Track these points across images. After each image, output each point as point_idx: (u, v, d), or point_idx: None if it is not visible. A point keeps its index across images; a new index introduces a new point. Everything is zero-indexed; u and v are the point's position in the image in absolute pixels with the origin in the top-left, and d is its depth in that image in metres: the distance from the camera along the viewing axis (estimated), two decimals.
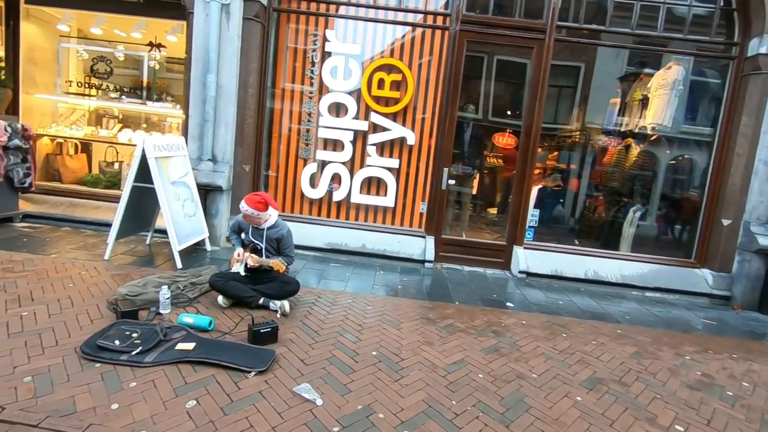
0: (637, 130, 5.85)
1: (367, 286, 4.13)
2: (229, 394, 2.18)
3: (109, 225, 4.98)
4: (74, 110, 5.96)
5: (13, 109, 5.19)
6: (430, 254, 5.03)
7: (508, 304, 4.03)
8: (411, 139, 5.25)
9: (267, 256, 3.32)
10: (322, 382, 2.36)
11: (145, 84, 5.60)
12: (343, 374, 2.46)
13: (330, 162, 5.34)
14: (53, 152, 5.81)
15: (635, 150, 5.92)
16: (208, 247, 4.71)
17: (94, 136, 5.79)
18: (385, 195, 5.36)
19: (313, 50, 5.27)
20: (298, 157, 5.42)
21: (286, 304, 3.15)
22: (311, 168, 5.36)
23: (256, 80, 4.98)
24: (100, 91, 5.66)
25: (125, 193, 3.91)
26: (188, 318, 2.77)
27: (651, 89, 5.60)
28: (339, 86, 5.24)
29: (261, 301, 3.19)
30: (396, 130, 5.27)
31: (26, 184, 4.89)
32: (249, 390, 2.22)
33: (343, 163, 5.34)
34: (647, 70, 5.83)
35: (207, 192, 4.79)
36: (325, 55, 5.22)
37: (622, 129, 6.05)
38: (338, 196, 5.36)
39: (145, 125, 6.09)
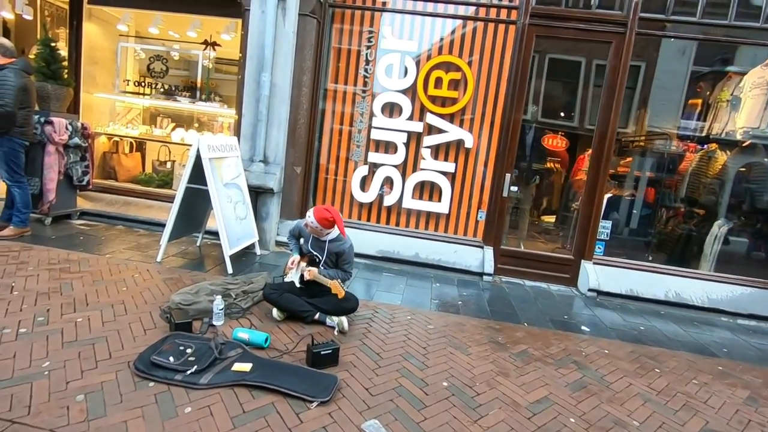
0: (723, 135, 5.22)
1: (423, 300, 3.83)
2: (291, 428, 1.94)
3: (161, 225, 4.97)
4: (130, 109, 6.03)
5: (73, 108, 5.29)
6: (489, 266, 4.66)
7: (583, 327, 3.60)
8: (469, 141, 4.91)
9: (325, 268, 3.09)
10: (392, 419, 2.08)
11: (199, 84, 5.56)
12: (413, 409, 2.17)
13: (382, 165, 5.08)
14: (109, 150, 5.90)
15: (721, 157, 5.30)
16: (258, 251, 4.56)
17: (149, 135, 5.83)
18: (439, 201, 5.04)
19: (368, 47, 5.03)
20: (348, 159, 5.20)
21: (344, 320, 2.91)
22: (362, 171, 5.13)
23: (309, 78, 4.80)
24: (154, 90, 5.68)
25: (179, 194, 3.80)
26: (243, 333, 2.57)
27: (744, 89, 4.97)
28: (394, 85, 4.98)
29: (317, 316, 2.96)
30: (453, 132, 4.94)
31: (84, 182, 4.94)
32: (312, 424, 1.98)
33: (396, 166, 5.07)
34: (732, 68, 5.22)
35: (258, 194, 4.65)
36: (380, 52, 4.98)
37: (702, 133, 5.44)
38: (390, 200, 5.09)
39: (196, 125, 6.08)
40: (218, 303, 2.78)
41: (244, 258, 4.34)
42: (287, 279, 3.23)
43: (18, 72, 3.86)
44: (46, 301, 2.85)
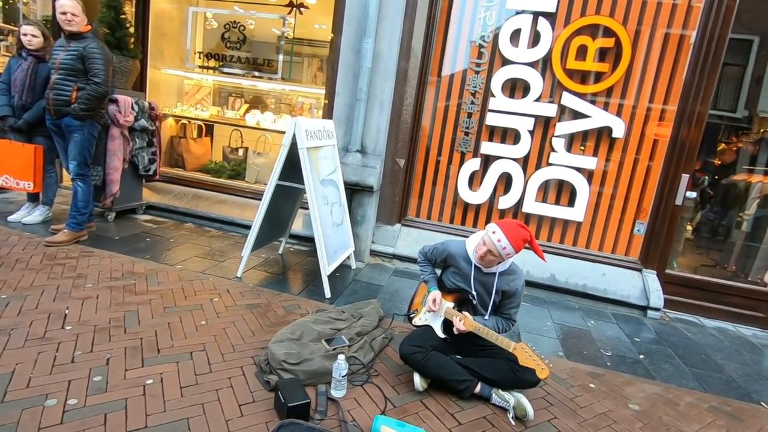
0: None
1: (590, 349, 2.77)
2: None
3: (234, 224, 4.23)
4: (200, 87, 5.30)
5: (139, 85, 4.61)
6: (657, 298, 3.50)
7: None
8: (618, 130, 3.72)
9: (482, 314, 2.12)
10: None
11: (281, 58, 4.66)
12: None
13: (499, 158, 4.00)
14: (177, 135, 5.22)
15: None
16: (353, 264, 3.67)
17: (220, 117, 5.07)
18: (572, 205, 3.90)
19: (487, 8, 3.92)
20: (453, 150, 4.15)
21: (525, 402, 1.91)
22: (472, 164, 4.07)
23: (420, 46, 3.78)
24: (230, 64, 4.85)
25: (267, 194, 2.95)
26: (388, 428, 1.65)
27: None
28: (520, 56, 3.84)
29: (478, 389, 2.00)
30: (597, 117, 3.76)
31: (151, 172, 4.25)
32: None
33: (516, 160, 3.97)
34: None
35: (353, 192, 3.75)
36: (504, 13, 3.85)
37: None
38: (506, 202, 4.02)
39: (273, 106, 5.27)
40: (341, 368, 1.87)
41: (337, 273, 3.46)
42: (418, 321, 2.29)
43: (100, 41, 3.19)
44: (106, 343, 2.07)
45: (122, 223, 4.00)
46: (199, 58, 4.92)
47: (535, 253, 1.97)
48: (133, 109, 3.87)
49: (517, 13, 3.82)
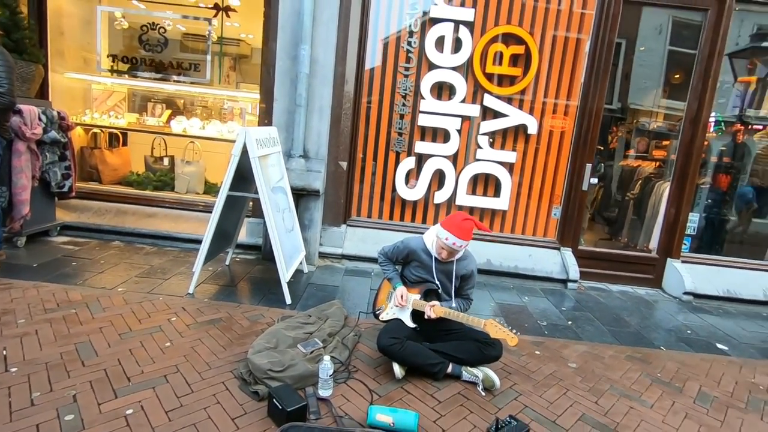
0: None
1: (529, 322, 3.17)
2: None
3: (170, 238, 4.01)
4: (111, 93, 4.84)
5: (41, 93, 4.10)
6: (574, 271, 4.06)
7: (719, 346, 3.08)
8: (532, 126, 4.23)
9: (445, 299, 2.35)
10: None
11: (209, 59, 4.43)
12: None
13: (431, 156, 4.31)
14: (87, 145, 4.73)
15: None
16: (305, 268, 3.71)
17: (140, 124, 4.70)
18: (498, 195, 4.35)
19: (412, 15, 4.18)
20: (389, 150, 4.38)
21: (492, 374, 2.18)
22: (407, 163, 4.33)
23: (355, 52, 3.91)
24: (148, 67, 4.49)
25: (217, 206, 2.88)
26: (384, 415, 1.79)
27: None
28: (445, 61, 4.17)
29: (450, 369, 2.22)
30: (514, 116, 4.23)
31: (65, 188, 3.84)
32: None
33: (447, 157, 4.31)
34: None
35: (299, 197, 3.77)
36: (429, 21, 4.14)
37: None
38: (441, 197, 4.35)
39: (198, 111, 5.00)
40: (327, 368, 1.97)
41: (292, 278, 3.48)
42: (385, 316, 2.46)
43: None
44: (66, 379, 1.92)
45: (36, 247, 3.57)
46: (113, 61, 4.50)
47: (480, 229, 2.28)
48: (40, 119, 3.46)
49: (440, 21, 4.12)
